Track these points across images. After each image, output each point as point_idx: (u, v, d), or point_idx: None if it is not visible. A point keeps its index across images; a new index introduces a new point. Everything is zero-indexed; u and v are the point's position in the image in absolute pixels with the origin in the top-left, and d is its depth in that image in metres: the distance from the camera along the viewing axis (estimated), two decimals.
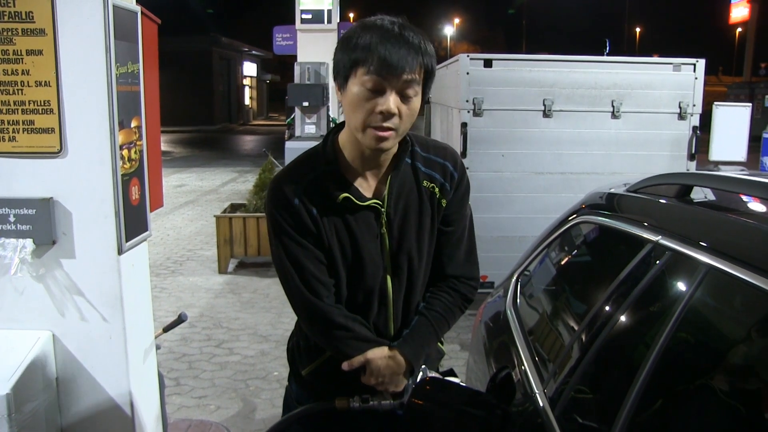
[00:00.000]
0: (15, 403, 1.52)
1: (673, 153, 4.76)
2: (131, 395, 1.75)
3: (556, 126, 4.67)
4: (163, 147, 10.49)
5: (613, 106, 4.66)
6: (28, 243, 1.61)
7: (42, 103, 1.58)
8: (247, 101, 35.63)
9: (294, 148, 6.35)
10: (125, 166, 1.69)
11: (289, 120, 7.56)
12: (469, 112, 4.61)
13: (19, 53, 1.56)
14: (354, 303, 1.55)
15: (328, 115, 7.14)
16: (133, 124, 1.73)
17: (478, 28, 63.37)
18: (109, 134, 1.61)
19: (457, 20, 59.01)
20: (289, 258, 1.49)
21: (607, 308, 1.54)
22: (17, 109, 1.59)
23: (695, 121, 4.75)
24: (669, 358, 1.22)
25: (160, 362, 2.10)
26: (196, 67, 28.38)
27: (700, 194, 1.68)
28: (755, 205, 1.51)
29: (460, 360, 4.01)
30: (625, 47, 47.55)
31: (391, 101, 1.33)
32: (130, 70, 1.70)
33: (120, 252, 1.67)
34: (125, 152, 1.69)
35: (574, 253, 2.20)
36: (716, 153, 6.17)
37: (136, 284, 1.79)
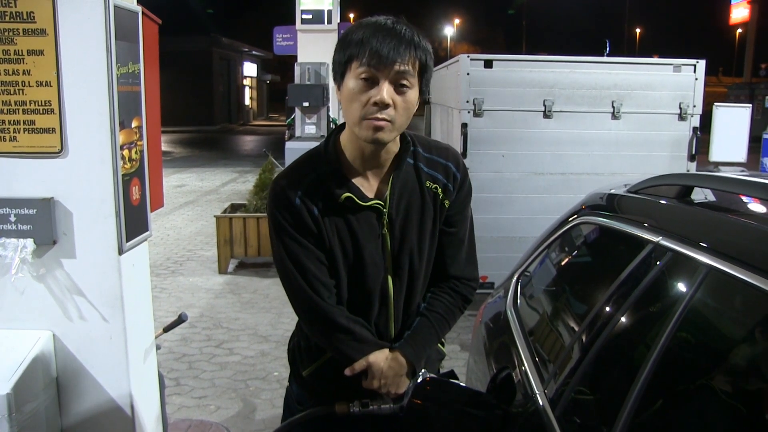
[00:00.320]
0: (15, 402, 1.52)
1: (673, 154, 4.76)
2: (131, 395, 1.75)
3: (556, 126, 4.67)
4: (163, 147, 10.49)
5: (613, 107, 4.66)
6: (29, 243, 1.61)
7: (43, 103, 1.59)
8: (247, 101, 35.64)
9: (294, 149, 6.35)
10: (126, 166, 1.69)
11: (289, 120, 7.56)
12: (469, 112, 4.61)
13: (20, 53, 1.56)
14: (355, 303, 1.55)
15: (329, 116, 7.14)
16: (134, 124, 1.73)
17: (478, 28, 63.40)
18: (109, 134, 1.61)
19: (457, 21, 59.06)
20: (291, 258, 1.49)
21: (607, 309, 1.54)
22: (18, 109, 1.59)
23: (695, 121, 4.76)
24: (669, 359, 1.22)
25: (160, 362, 2.10)
26: (197, 68, 28.38)
27: (700, 195, 1.68)
28: (755, 206, 1.51)
29: (460, 360, 4.01)
30: (625, 48, 47.57)
31: (385, 91, 1.35)
32: (130, 71, 1.70)
33: (120, 252, 1.67)
34: (126, 152, 1.69)
35: (574, 253, 2.20)
36: (716, 154, 6.18)
37: (136, 284, 1.79)
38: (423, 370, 1.52)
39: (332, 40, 8.37)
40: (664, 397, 1.21)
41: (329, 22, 8.16)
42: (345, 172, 1.49)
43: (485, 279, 4.35)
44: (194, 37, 28.28)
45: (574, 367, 1.51)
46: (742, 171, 4.99)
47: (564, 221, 2.21)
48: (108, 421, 1.74)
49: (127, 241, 1.70)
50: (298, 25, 8.20)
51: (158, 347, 2.03)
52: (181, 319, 2.27)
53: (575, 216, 2.13)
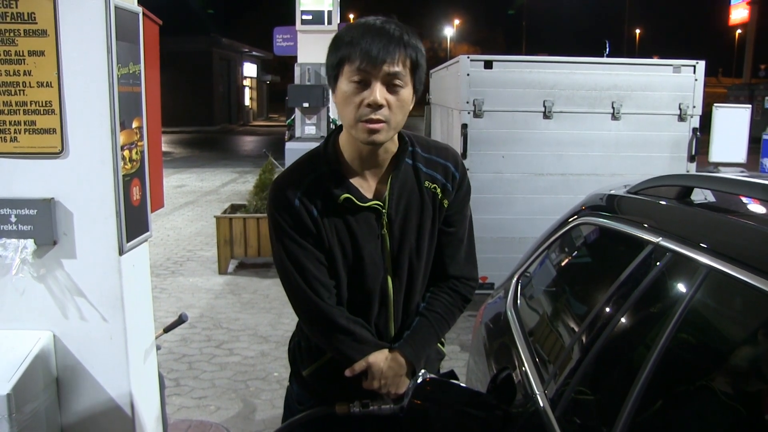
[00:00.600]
0: (15, 403, 1.52)
1: (673, 154, 4.77)
2: (132, 396, 1.75)
3: (556, 127, 4.67)
4: (164, 147, 10.49)
5: (613, 108, 4.66)
6: (29, 243, 1.61)
7: (43, 104, 1.59)
8: (247, 102, 35.64)
9: (294, 149, 6.35)
10: (126, 166, 1.69)
11: (289, 121, 7.56)
12: (469, 113, 4.61)
13: (21, 54, 1.56)
14: (355, 304, 1.55)
15: (329, 116, 7.14)
16: (134, 124, 1.74)
17: (478, 29, 63.46)
18: (110, 135, 1.61)
19: (457, 21, 59.07)
20: (290, 259, 1.49)
21: (607, 309, 1.54)
22: (19, 110, 1.59)
23: (695, 122, 4.76)
24: (669, 360, 1.22)
25: (160, 363, 2.10)
26: (197, 68, 28.39)
27: (700, 196, 1.68)
28: (755, 207, 1.51)
29: (460, 361, 4.01)
30: (625, 49, 47.55)
31: (377, 92, 1.36)
32: (131, 71, 1.70)
33: (121, 252, 1.67)
34: (126, 153, 1.69)
35: (574, 254, 2.20)
36: (716, 154, 6.17)
37: (136, 285, 1.79)
38: (423, 370, 1.52)
39: None
40: (664, 397, 1.21)
41: (329, 22, 8.15)
42: (344, 173, 1.49)
43: (485, 280, 4.35)
44: (194, 38, 28.27)
45: (574, 368, 1.52)
46: (742, 172, 4.99)
47: (564, 222, 2.21)
48: (108, 422, 1.74)
49: (128, 241, 1.70)
50: (298, 25, 8.19)
51: (158, 348, 2.03)
52: (181, 320, 2.27)
53: (575, 217, 2.13)
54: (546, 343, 1.90)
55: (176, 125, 24.54)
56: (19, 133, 1.60)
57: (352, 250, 1.50)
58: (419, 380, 1.48)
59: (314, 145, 1.60)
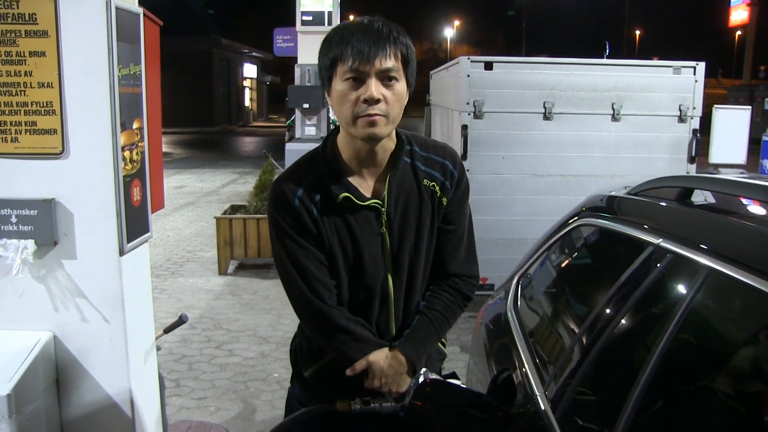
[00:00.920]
0: (16, 403, 1.52)
1: (673, 156, 4.77)
2: (132, 396, 1.75)
3: (556, 128, 4.67)
4: (164, 148, 10.49)
5: (613, 109, 4.67)
6: (30, 244, 1.62)
7: (44, 105, 1.59)
8: (247, 103, 35.64)
9: (294, 150, 6.36)
10: (127, 167, 1.69)
11: (289, 122, 7.56)
12: (469, 114, 4.61)
13: (22, 55, 1.56)
14: (355, 303, 1.55)
15: (329, 117, 7.15)
16: (135, 125, 1.74)
17: (478, 29, 63.49)
18: (110, 136, 1.61)
19: (457, 22, 59.10)
20: (291, 259, 1.49)
21: (608, 311, 1.54)
22: (20, 110, 1.59)
23: (695, 123, 4.76)
24: (670, 361, 1.22)
25: (160, 363, 2.10)
26: (197, 69, 28.38)
27: (700, 197, 1.68)
28: (755, 208, 1.51)
29: (460, 362, 4.01)
30: (625, 50, 47.62)
31: (373, 87, 1.38)
32: (132, 72, 1.70)
33: (121, 253, 1.67)
34: (127, 154, 1.69)
35: (574, 255, 2.20)
36: (716, 156, 6.17)
37: (137, 285, 1.79)
38: (424, 370, 1.52)
39: None
40: (665, 398, 1.21)
41: (329, 23, 8.14)
42: (343, 173, 1.50)
43: (485, 281, 4.35)
44: (194, 39, 28.25)
45: (574, 369, 1.52)
46: (742, 173, 4.99)
47: (564, 223, 2.21)
48: (108, 422, 1.75)
49: (128, 242, 1.70)
50: (299, 26, 8.19)
51: (158, 348, 2.03)
52: (181, 321, 2.27)
53: (575, 218, 2.13)
54: (546, 344, 1.90)
55: (176, 126, 24.53)
56: (20, 133, 1.60)
57: (353, 249, 1.51)
58: (420, 380, 1.49)
59: (314, 145, 1.61)
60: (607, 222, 1.88)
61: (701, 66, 4.73)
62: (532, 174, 4.72)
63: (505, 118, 4.64)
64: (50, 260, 1.66)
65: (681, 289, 1.32)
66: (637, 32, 57.20)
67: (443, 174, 1.56)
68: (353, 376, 1.52)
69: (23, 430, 1.55)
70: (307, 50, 7.83)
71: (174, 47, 23.36)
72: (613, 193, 2.04)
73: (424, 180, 1.54)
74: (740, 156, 6.12)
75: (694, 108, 4.73)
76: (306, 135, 7.05)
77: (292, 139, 7.28)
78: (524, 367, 1.81)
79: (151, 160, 1.86)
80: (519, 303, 2.28)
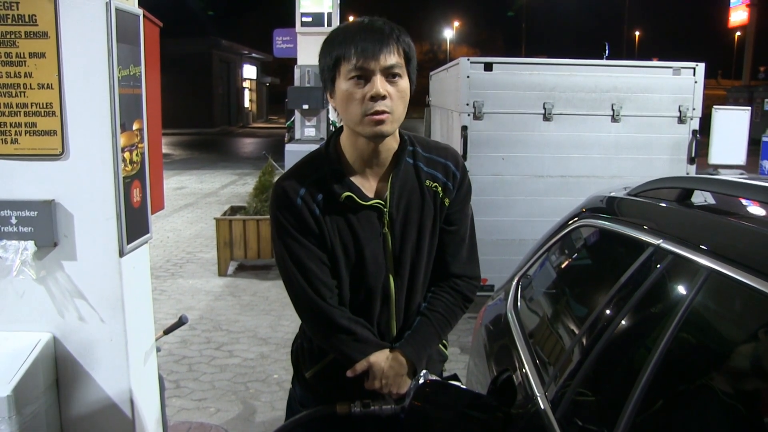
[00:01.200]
0: (16, 404, 1.51)
1: (672, 156, 4.77)
2: (132, 397, 1.75)
3: (556, 129, 4.67)
4: (163, 149, 10.50)
5: (613, 110, 4.67)
6: (30, 245, 1.61)
7: (44, 106, 1.59)
8: (246, 104, 35.65)
9: (294, 151, 6.36)
10: (127, 168, 1.69)
11: (289, 123, 7.56)
12: (469, 115, 4.61)
13: (22, 56, 1.56)
14: (357, 303, 1.55)
15: (328, 118, 7.15)
16: (135, 126, 1.74)
17: (478, 30, 63.57)
18: (110, 137, 1.61)
19: (456, 23, 59.14)
20: (292, 259, 1.49)
21: (608, 312, 1.54)
22: (19, 112, 1.59)
23: (695, 124, 4.77)
24: (670, 362, 1.22)
25: (160, 364, 2.10)
26: (196, 70, 28.40)
27: (700, 198, 1.68)
28: (755, 209, 1.51)
29: (460, 363, 4.01)
30: (625, 51, 47.62)
31: (378, 84, 1.38)
32: (132, 73, 1.70)
33: (121, 254, 1.67)
34: (127, 155, 1.69)
35: (574, 256, 2.20)
36: (716, 156, 6.17)
37: (136, 286, 1.79)
38: (424, 371, 1.52)
39: None
40: (665, 399, 1.21)
41: (329, 24, 8.16)
42: (345, 173, 1.50)
43: (485, 281, 4.35)
44: (194, 40, 28.30)
45: (574, 370, 1.52)
46: (742, 174, 4.99)
47: (564, 224, 2.21)
48: (108, 423, 1.74)
49: (128, 243, 1.70)
50: (298, 27, 8.20)
51: (158, 349, 2.03)
52: (181, 322, 2.27)
53: (575, 219, 2.13)
54: (546, 345, 1.90)
55: (176, 127, 24.53)
56: (20, 134, 1.60)
57: (354, 249, 1.51)
58: (420, 381, 1.48)
59: (314, 147, 1.61)
60: (607, 223, 1.88)
61: (701, 67, 4.73)
62: (532, 175, 4.72)
63: (504, 119, 4.65)
64: (50, 261, 1.66)
65: (681, 289, 1.32)
66: (637, 33, 57.25)
67: (445, 175, 1.56)
68: (354, 377, 1.52)
69: (23, 431, 1.55)
70: (307, 51, 7.84)
71: (174, 48, 23.39)
72: (613, 194, 2.04)
73: (427, 181, 1.55)
74: (740, 157, 6.12)
75: (694, 109, 4.74)
76: (305, 136, 7.05)
77: (291, 140, 7.28)
78: (524, 368, 1.81)
79: (151, 161, 1.86)
80: (519, 304, 2.28)
